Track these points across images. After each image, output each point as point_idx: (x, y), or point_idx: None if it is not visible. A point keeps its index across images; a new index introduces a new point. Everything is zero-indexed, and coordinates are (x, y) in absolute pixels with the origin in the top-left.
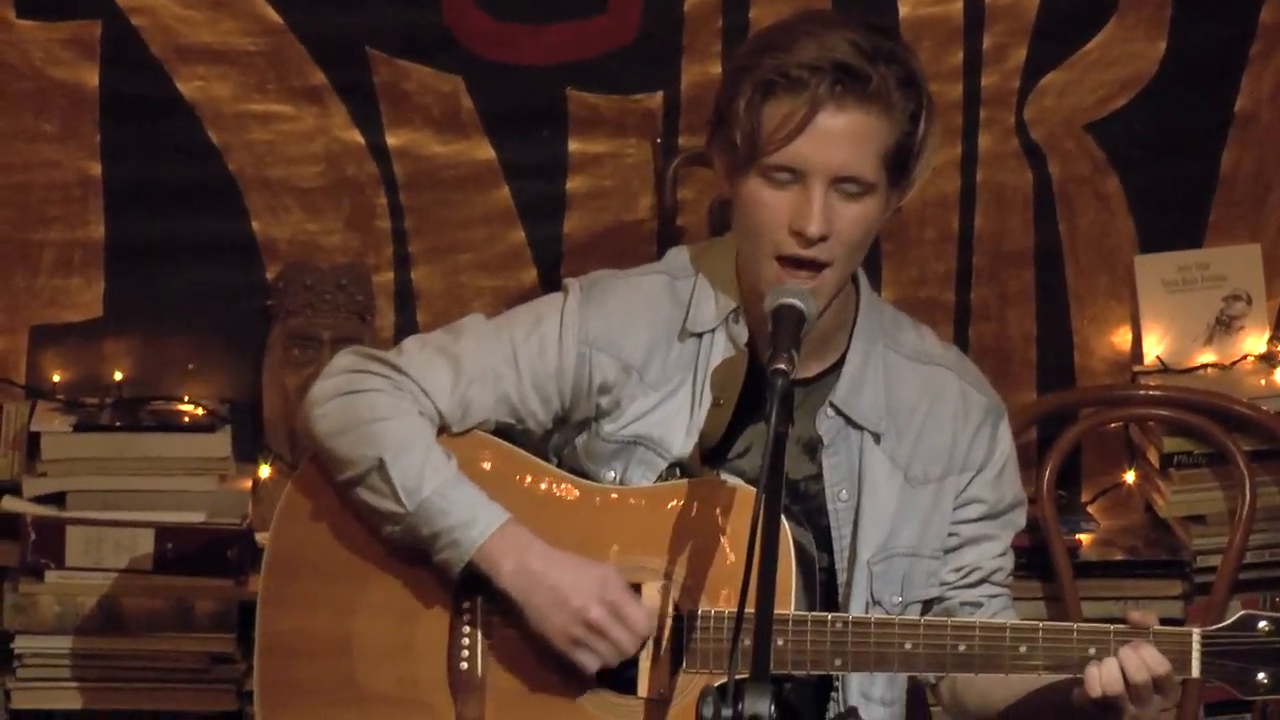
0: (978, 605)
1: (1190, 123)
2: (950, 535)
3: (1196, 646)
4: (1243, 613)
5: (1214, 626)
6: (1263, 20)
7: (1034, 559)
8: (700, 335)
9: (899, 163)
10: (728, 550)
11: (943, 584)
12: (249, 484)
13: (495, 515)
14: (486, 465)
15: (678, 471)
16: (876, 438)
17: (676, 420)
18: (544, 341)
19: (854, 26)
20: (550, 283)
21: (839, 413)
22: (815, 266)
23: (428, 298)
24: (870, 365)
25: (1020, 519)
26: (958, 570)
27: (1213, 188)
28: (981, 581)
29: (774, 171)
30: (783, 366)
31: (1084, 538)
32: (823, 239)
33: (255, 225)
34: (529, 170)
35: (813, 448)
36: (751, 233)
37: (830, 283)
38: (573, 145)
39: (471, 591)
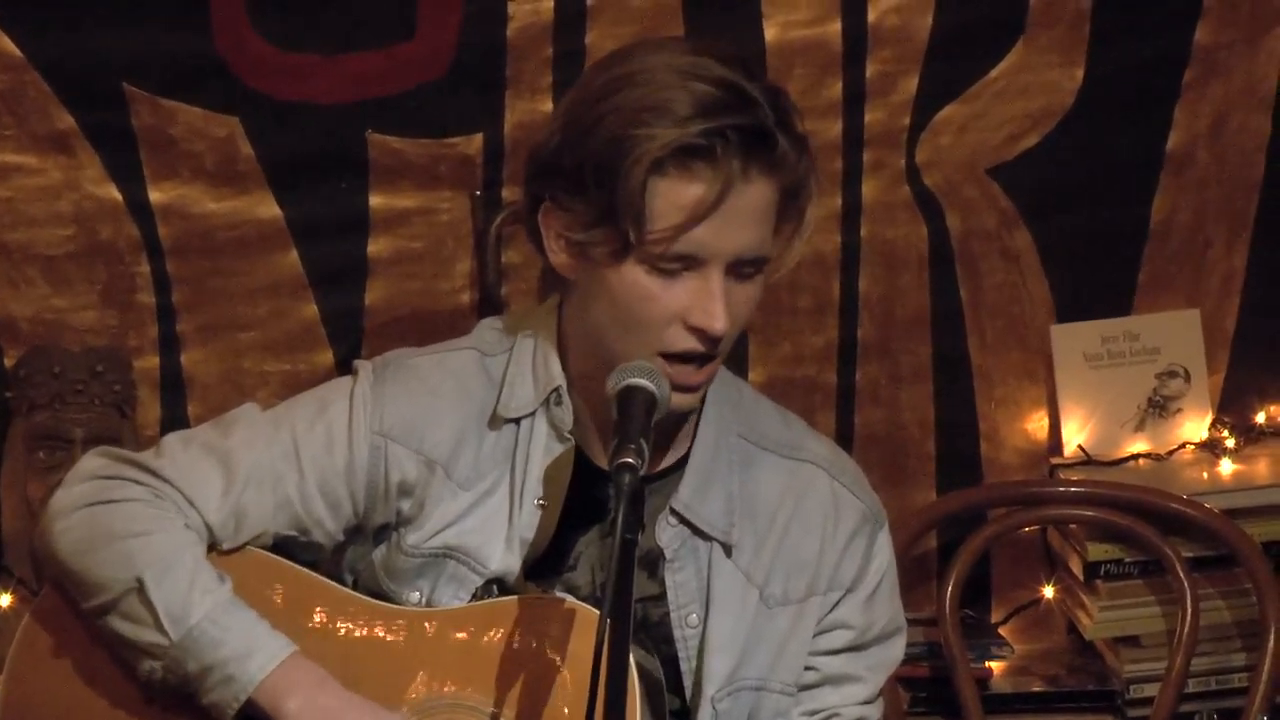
0: None
1: (1114, 165)
2: (808, 669)
3: None
4: None
5: None
6: (1198, 40)
7: (936, 691)
8: (517, 421)
9: (787, 219)
10: (565, 682)
11: None
12: None
13: (279, 646)
14: (266, 590)
15: (495, 589)
16: (727, 550)
17: (494, 527)
18: (331, 434)
19: (726, 61)
20: (350, 366)
21: (682, 520)
22: (705, 360)
23: (201, 386)
24: (720, 459)
25: (895, 652)
26: (812, 714)
27: (1142, 242)
28: None
29: (665, 261)
30: (630, 460)
31: (995, 665)
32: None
33: None
34: (322, 230)
35: (653, 562)
36: (628, 326)
37: (715, 374)
38: (375, 199)
39: None
